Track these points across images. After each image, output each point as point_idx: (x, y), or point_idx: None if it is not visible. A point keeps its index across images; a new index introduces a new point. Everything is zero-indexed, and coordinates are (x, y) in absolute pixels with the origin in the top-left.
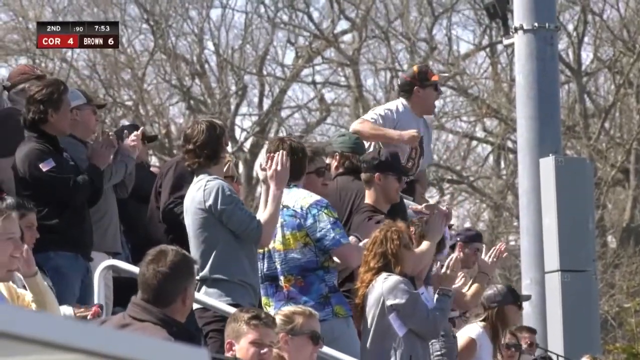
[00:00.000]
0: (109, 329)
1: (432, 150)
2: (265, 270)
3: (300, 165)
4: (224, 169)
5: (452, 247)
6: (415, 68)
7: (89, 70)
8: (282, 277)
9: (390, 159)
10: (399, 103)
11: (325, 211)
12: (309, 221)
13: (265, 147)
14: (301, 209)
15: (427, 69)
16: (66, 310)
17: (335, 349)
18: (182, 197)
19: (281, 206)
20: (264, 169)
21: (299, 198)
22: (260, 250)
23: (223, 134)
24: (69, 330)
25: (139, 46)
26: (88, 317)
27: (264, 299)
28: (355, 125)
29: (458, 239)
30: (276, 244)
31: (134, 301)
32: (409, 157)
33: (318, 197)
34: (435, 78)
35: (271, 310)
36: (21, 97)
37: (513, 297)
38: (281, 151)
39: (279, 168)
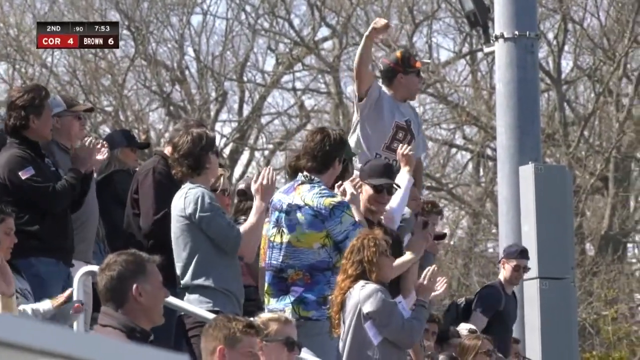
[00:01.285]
0: (91, 334)
1: (422, 142)
2: (272, 260)
3: (327, 157)
4: (218, 183)
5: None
6: (398, 54)
7: (69, 75)
8: (290, 270)
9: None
10: (382, 87)
11: (348, 212)
12: (333, 223)
13: (246, 154)
14: (325, 209)
15: (409, 55)
16: (45, 304)
17: (320, 344)
18: (169, 214)
19: (302, 203)
20: (254, 182)
21: (321, 198)
22: (273, 239)
23: (211, 145)
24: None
25: (120, 52)
26: (63, 300)
27: (266, 287)
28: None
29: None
30: (291, 238)
31: (102, 309)
32: (394, 138)
33: (340, 199)
34: (418, 65)
35: (273, 301)
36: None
37: None
38: (269, 167)
39: (264, 182)
